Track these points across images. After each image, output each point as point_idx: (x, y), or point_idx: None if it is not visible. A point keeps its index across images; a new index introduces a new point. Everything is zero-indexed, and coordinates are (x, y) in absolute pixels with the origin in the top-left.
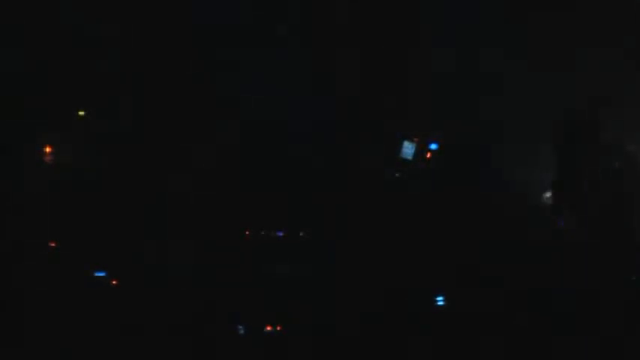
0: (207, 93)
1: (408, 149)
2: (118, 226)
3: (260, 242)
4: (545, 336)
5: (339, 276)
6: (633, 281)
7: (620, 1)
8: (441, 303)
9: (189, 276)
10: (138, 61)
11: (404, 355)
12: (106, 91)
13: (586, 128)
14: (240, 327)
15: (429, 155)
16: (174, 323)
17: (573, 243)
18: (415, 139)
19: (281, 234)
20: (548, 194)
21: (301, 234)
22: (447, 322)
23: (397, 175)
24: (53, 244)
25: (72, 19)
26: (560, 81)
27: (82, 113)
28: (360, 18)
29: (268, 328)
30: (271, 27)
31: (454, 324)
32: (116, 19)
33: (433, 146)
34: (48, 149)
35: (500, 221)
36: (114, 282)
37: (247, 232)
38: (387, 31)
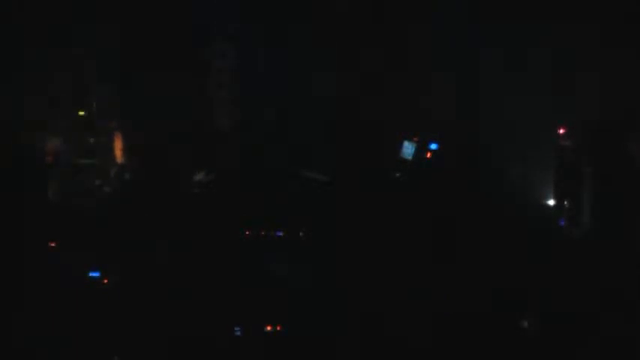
0: (207, 93)
1: (408, 149)
2: (118, 225)
3: (260, 242)
4: (545, 336)
5: (339, 276)
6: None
7: (620, 3)
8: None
9: (189, 276)
10: (137, 61)
11: (404, 355)
12: (105, 91)
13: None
14: (238, 329)
15: (428, 155)
16: (174, 323)
17: (573, 242)
18: (415, 139)
19: (280, 234)
20: (548, 196)
21: (300, 234)
22: (447, 321)
23: (397, 175)
24: (53, 244)
25: (71, 20)
26: (561, 82)
27: (82, 113)
28: (360, 19)
29: (268, 328)
30: (271, 27)
31: (454, 324)
32: (115, 19)
33: (433, 146)
34: (48, 149)
35: (500, 221)
36: (105, 281)
37: (247, 232)
38: (387, 32)
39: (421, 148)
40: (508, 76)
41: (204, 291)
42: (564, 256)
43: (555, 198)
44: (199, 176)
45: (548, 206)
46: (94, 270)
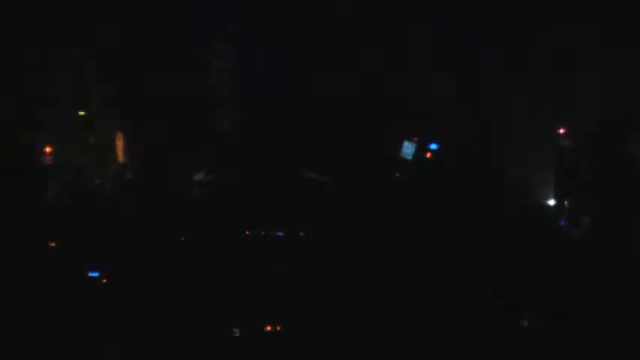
0: (207, 93)
1: (408, 149)
2: (118, 225)
3: (260, 242)
4: (545, 336)
5: (339, 276)
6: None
7: (620, 3)
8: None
9: (189, 276)
10: (137, 61)
11: (404, 355)
12: (105, 91)
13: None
14: (236, 330)
15: (428, 155)
16: (174, 323)
17: (573, 242)
18: (415, 139)
19: (280, 234)
20: (549, 196)
21: (301, 234)
22: (447, 321)
23: (397, 175)
24: (53, 244)
25: (71, 20)
26: (561, 82)
27: (82, 113)
28: (360, 19)
29: (268, 328)
30: (271, 27)
31: (454, 324)
32: (115, 19)
33: (433, 146)
34: (48, 149)
35: (500, 221)
36: (104, 280)
37: (247, 232)
38: (387, 32)
39: (421, 148)
40: (508, 76)
41: (204, 291)
42: (564, 256)
43: (555, 198)
44: (199, 176)
45: (548, 206)
46: (94, 270)
